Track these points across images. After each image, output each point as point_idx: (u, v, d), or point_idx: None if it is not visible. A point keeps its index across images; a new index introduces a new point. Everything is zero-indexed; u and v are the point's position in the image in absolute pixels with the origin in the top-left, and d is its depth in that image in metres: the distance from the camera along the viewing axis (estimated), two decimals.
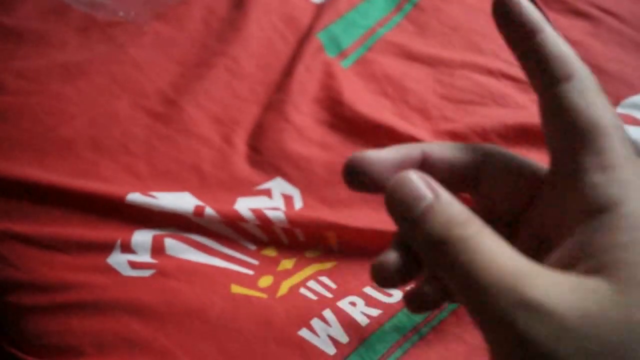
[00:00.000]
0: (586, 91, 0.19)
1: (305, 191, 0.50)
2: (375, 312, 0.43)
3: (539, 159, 0.22)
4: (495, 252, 0.16)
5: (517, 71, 0.61)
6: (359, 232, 0.46)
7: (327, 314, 0.43)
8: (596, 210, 0.17)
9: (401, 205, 0.18)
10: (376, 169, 0.20)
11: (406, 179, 0.18)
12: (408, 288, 0.23)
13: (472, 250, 0.16)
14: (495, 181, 0.21)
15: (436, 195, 0.18)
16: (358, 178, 0.20)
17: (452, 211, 0.17)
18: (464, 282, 0.16)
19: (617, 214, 0.17)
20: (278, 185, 0.50)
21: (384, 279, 0.20)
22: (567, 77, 0.19)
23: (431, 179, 0.18)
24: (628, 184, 0.17)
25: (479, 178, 0.21)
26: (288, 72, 0.57)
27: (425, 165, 0.21)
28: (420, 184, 0.18)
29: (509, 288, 0.15)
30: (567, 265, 0.17)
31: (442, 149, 0.21)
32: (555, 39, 0.20)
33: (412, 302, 0.22)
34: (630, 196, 0.17)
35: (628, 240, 0.16)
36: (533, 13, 0.20)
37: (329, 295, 0.44)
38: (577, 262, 0.17)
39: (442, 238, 0.17)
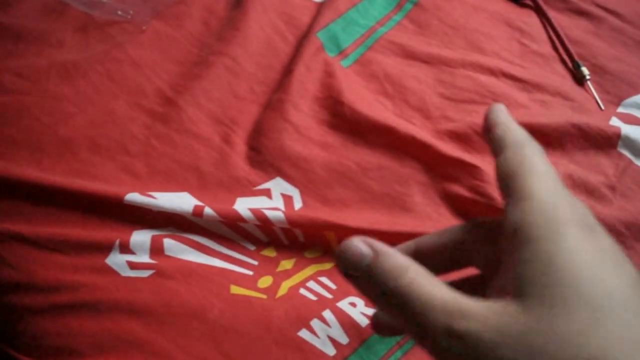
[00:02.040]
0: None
1: (304, 191, 0.49)
2: None
3: None
4: (429, 294, 0.19)
5: (517, 70, 0.61)
6: (359, 232, 0.46)
7: (327, 314, 0.42)
8: (517, 244, 0.20)
9: (348, 265, 0.21)
10: None
11: (349, 243, 0.21)
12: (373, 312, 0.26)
13: (410, 295, 0.19)
14: (477, 250, 0.24)
15: (375, 252, 0.20)
16: None
17: (392, 262, 0.20)
18: (408, 321, 0.19)
19: (530, 247, 0.19)
20: (277, 185, 0.49)
21: None
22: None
23: (373, 240, 0.21)
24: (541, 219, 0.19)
25: (465, 252, 0.24)
26: (288, 71, 0.57)
27: (417, 254, 0.24)
28: (361, 245, 0.20)
29: (441, 323, 0.19)
30: (500, 292, 0.20)
31: (427, 239, 0.25)
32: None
33: (378, 327, 0.26)
34: (540, 231, 0.19)
35: (536, 269, 0.19)
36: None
37: (329, 295, 0.44)
38: (506, 290, 0.19)
39: (386, 288, 0.20)
